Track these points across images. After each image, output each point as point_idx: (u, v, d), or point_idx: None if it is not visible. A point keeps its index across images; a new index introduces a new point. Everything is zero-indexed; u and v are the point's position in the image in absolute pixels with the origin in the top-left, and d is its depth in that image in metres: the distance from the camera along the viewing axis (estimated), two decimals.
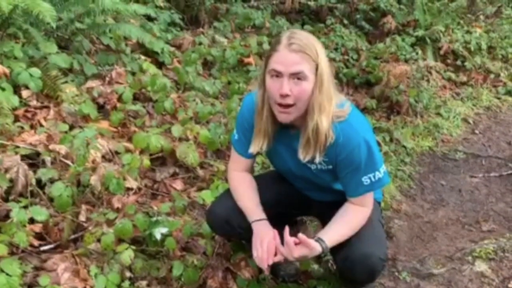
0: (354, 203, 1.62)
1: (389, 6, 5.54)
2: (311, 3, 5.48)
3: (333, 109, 1.51)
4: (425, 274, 2.21)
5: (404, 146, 3.61)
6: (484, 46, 5.56)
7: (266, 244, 1.55)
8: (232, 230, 1.74)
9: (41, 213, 1.61)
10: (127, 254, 1.60)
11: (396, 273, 2.20)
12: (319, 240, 1.53)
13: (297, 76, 1.44)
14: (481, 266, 2.29)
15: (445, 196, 3.10)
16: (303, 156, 1.56)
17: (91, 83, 2.77)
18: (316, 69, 1.46)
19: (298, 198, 1.86)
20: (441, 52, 5.21)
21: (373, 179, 1.56)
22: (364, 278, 1.66)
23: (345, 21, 5.34)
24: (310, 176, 1.69)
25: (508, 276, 2.23)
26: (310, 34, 1.52)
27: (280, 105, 1.47)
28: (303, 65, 1.44)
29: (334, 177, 1.65)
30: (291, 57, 1.43)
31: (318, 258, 2.08)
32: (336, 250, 1.59)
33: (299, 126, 1.57)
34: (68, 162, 2.04)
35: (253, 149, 1.63)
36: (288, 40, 1.44)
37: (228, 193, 1.77)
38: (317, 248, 1.50)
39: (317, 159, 1.55)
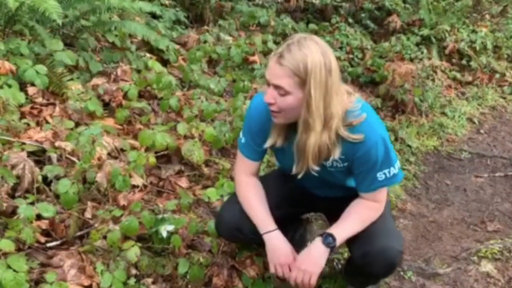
0: (367, 199, 1.62)
1: (394, 5, 5.53)
2: (316, 2, 5.47)
3: (338, 123, 1.46)
4: (431, 273, 2.21)
5: (409, 146, 3.61)
6: (489, 46, 5.54)
7: (287, 267, 1.58)
8: (244, 237, 1.73)
9: (48, 209, 1.61)
10: (133, 251, 1.61)
11: (402, 273, 2.19)
12: (326, 236, 1.55)
13: (279, 90, 1.42)
14: (486, 266, 2.28)
15: (450, 195, 3.10)
16: (313, 164, 1.55)
17: (96, 81, 2.77)
18: (304, 86, 1.39)
19: (303, 196, 1.86)
20: (447, 51, 5.19)
21: (388, 175, 1.56)
22: (383, 272, 1.67)
23: (350, 20, 5.33)
24: (321, 172, 1.66)
25: None
26: (312, 46, 1.40)
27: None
28: (285, 81, 1.39)
29: (347, 174, 1.65)
30: (276, 69, 1.41)
31: None
32: (354, 246, 1.61)
33: None
34: (74, 159, 2.04)
35: (268, 142, 1.60)
36: (282, 49, 1.40)
37: (235, 199, 1.73)
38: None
39: (336, 156, 1.53)
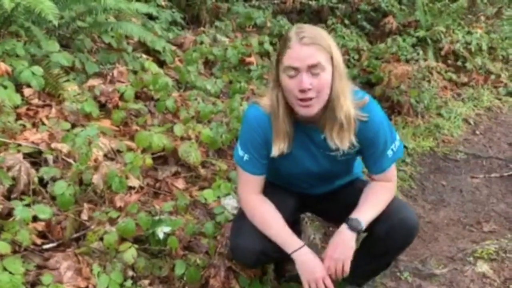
0: (381, 180, 1.67)
1: (390, 7, 5.56)
2: (312, 3, 5.48)
3: (351, 97, 1.53)
4: (427, 274, 2.21)
5: (405, 147, 3.61)
6: (484, 47, 5.57)
7: (321, 281, 1.57)
8: (270, 259, 1.71)
9: (44, 211, 1.60)
10: (130, 253, 1.60)
11: (398, 273, 2.20)
12: (351, 220, 1.58)
13: (315, 68, 1.43)
14: (482, 267, 2.29)
15: (446, 196, 3.11)
16: (340, 144, 1.55)
17: (92, 82, 2.76)
18: (332, 59, 1.46)
19: (298, 199, 1.86)
20: (442, 52, 5.21)
21: (394, 149, 1.64)
22: (405, 241, 1.70)
23: (346, 21, 5.35)
24: (331, 168, 1.69)
25: (510, 277, 2.23)
26: (317, 27, 1.51)
27: (301, 99, 1.45)
28: (319, 56, 1.42)
29: (354, 159, 1.72)
30: (305, 50, 1.41)
31: None
32: (376, 225, 1.63)
33: (317, 119, 1.55)
34: (70, 160, 2.04)
35: (274, 152, 1.58)
36: (297, 35, 1.43)
37: (247, 221, 1.65)
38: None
39: (352, 143, 1.57)
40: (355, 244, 1.58)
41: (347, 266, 1.57)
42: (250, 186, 1.66)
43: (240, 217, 1.70)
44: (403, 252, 1.86)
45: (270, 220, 1.62)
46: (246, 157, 1.63)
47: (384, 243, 1.68)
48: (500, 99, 5.02)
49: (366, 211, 1.61)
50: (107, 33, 3.22)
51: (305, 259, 1.58)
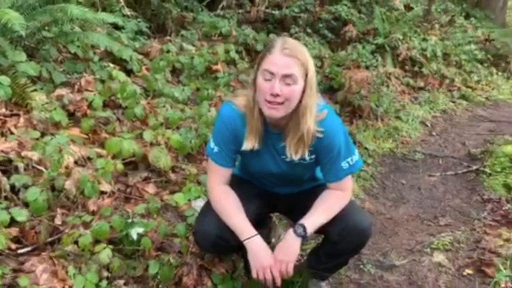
0: (335, 189, 1.77)
1: (350, 15, 5.76)
2: (276, 13, 5.62)
3: (315, 112, 1.65)
4: (388, 266, 2.36)
5: (366, 148, 3.80)
6: (439, 53, 5.89)
7: (269, 270, 1.67)
8: (227, 245, 1.76)
9: (21, 213, 1.63)
10: (105, 253, 1.65)
11: (361, 266, 2.33)
12: (297, 227, 1.68)
13: (288, 79, 1.55)
14: (438, 257, 2.46)
15: (406, 194, 3.29)
16: (294, 154, 1.68)
17: (60, 91, 2.78)
18: (306, 75, 1.58)
19: (265, 197, 1.96)
20: (400, 58, 5.47)
21: (351, 163, 1.74)
22: (358, 243, 1.80)
23: (309, 30, 5.51)
24: (291, 172, 1.79)
25: (463, 265, 2.41)
26: (300, 44, 1.65)
27: (269, 102, 1.57)
28: (294, 69, 1.55)
29: (314, 167, 1.81)
30: (284, 60, 1.54)
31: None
32: (330, 227, 1.73)
33: (283, 126, 1.67)
34: (41, 168, 2.06)
35: (246, 146, 1.69)
36: (281, 45, 1.56)
37: (210, 210, 1.76)
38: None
39: (303, 156, 1.68)
40: (298, 249, 1.69)
41: (290, 268, 1.69)
42: (218, 176, 1.78)
43: (206, 206, 1.82)
44: (358, 252, 1.98)
45: (230, 209, 1.73)
46: (216, 149, 1.75)
47: (338, 245, 1.80)
48: (454, 102, 5.32)
49: (315, 217, 1.72)
50: (73, 43, 3.24)
51: (255, 248, 1.68)
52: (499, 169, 3.53)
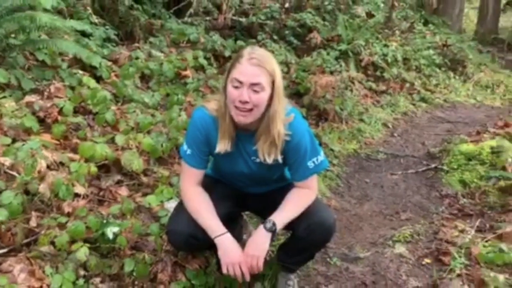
0: (301, 187, 1.88)
1: (314, 23, 5.96)
2: (243, 20, 5.76)
3: (283, 116, 1.76)
4: (353, 258, 2.49)
5: (332, 149, 3.96)
6: (400, 58, 6.16)
7: (238, 265, 1.74)
8: (199, 243, 1.84)
9: (1, 213, 1.66)
10: (82, 251, 1.70)
11: (328, 259, 2.46)
12: (267, 222, 1.78)
13: (256, 87, 1.66)
14: (400, 248, 2.61)
15: (369, 192, 3.45)
16: (267, 157, 1.79)
17: (30, 98, 2.79)
18: (273, 82, 1.69)
19: (236, 196, 2.06)
20: (362, 64, 5.70)
21: (316, 162, 1.85)
22: (324, 237, 1.91)
23: (275, 37, 5.66)
24: (261, 172, 1.89)
25: (423, 255, 2.57)
26: (268, 53, 1.75)
27: (238, 109, 1.68)
28: (262, 78, 1.66)
29: (282, 167, 1.91)
30: (251, 69, 1.65)
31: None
32: (297, 224, 1.83)
33: (253, 130, 1.78)
34: (14, 173, 2.09)
35: (219, 148, 1.79)
36: (249, 55, 1.67)
37: (183, 209, 1.83)
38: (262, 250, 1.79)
39: (276, 158, 1.79)
40: (268, 244, 1.79)
41: (260, 262, 1.78)
42: (190, 177, 1.87)
43: (178, 206, 1.91)
44: (324, 247, 2.12)
45: (201, 208, 1.81)
46: (189, 151, 1.84)
47: (305, 240, 1.91)
48: (414, 105, 5.57)
49: (284, 214, 1.83)
50: (40, 50, 3.25)
51: (225, 245, 1.77)
52: (455, 167, 3.74)
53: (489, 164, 3.63)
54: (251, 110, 1.68)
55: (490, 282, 2.22)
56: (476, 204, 3.21)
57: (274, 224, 1.79)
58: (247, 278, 1.78)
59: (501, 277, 2.25)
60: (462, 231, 2.78)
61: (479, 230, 2.79)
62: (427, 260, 2.51)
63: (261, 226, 1.81)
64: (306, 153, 1.83)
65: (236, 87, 1.67)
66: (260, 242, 1.79)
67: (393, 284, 2.31)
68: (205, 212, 1.81)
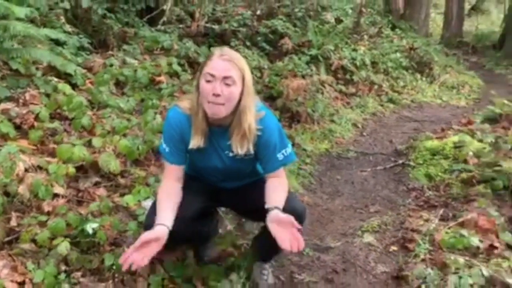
0: (274, 177, 1.99)
1: (285, 29, 6.14)
2: (216, 27, 5.88)
3: (254, 111, 1.88)
4: (324, 248, 2.62)
5: (304, 149, 4.10)
6: (368, 62, 6.38)
7: (141, 240, 1.70)
8: (173, 236, 1.84)
9: None
10: (63, 246, 1.78)
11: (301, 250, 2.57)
12: (275, 208, 1.84)
13: (227, 80, 1.77)
14: (368, 238, 2.76)
15: (341, 188, 3.60)
16: (240, 150, 1.89)
17: (5, 105, 2.84)
18: (243, 78, 1.82)
19: (212, 192, 2.17)
20: (332, 68, 5.90)
21: (285, 154, 1.98)
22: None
23: (248, 43, 5.80)
24: (234, 166, 1.99)
25: (390, 243, 2.72)
26: (236, 52, 1.89)
27: (211, 103, 1.78)
28: (232, 72, 1.78)
29: (255, 161, 2.03)
30: (223, 64, 1.77)
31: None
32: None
33: (226, 125, 1.89)
34: None
35: (192, 144, 1.89)
36: (220, 52, 1.80)
37: (154, 206, 1.93)
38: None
39: (249, 151, 1.90)
40: None
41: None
42: (170, 173, 1.98)
43: (154, 203, 1.97)
44: None
45: (161, 198, 1.90)
46: (167, 149, 1.95)
47: None
48: (382, 105, 5.79)
49: (278, 199, 1.92)
50: (14, 59, 3.28)
51: (156, 229, 1.79)
52: (421, 162, 3.94)
53: (452, 158, 3.84)
54: (223, 104, 1.79)
55: (451, 264, 2.38)
56: (440, 196, 3.39)
57: (277, 207, 1.85)
58: (133, 268, 1.71)
59: (461, 260, 2.41)
60: (426, 220, 2.94)
61: (442, 219, 2.95)
62: (393, 248, 2.66)
63: (274, 211, 1.82)
64: (276, 147, 1.96)
65: (208, 81, 1.78)
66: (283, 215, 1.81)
67: (362, 270, 2.45)
68: (161, 205, 1.88)
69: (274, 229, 1.78)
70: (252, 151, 1.93)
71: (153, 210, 1.92)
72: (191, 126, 1.91)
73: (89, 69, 3.99)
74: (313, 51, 5.87)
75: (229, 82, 1.78)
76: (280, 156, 1.98)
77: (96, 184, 2.58)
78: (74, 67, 3.56)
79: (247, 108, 1.85)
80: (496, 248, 2.55)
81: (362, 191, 3.56)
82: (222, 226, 2.43)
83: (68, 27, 4.29)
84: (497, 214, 2.87)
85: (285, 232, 1.76)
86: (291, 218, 1.77)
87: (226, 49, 1.85)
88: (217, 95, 1.77)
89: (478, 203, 3.04)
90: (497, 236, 2.66)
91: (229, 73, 1.78)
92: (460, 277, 2.25)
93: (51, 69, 3.56)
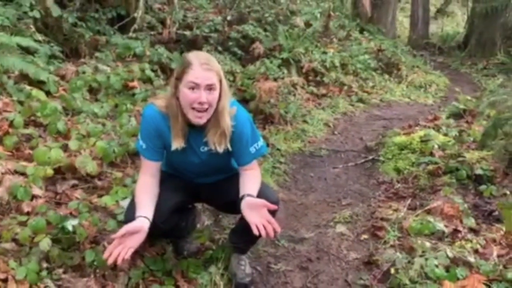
0: (247, 169, 2.10)
1: (256, 34, 6.24)
2: (187, 33, 5.94)
3: (228, 109, 1.99)
4: (299, 239, 2.73)
5: (278, 149, 4.21)
6: (338, 64, 6.56)
7: (125, 229, 1.80)
8: (152, 231, 1.93)
9: None
10: (45, 242, 1.82)
11: (276, 242, 2.68)
12: (249, 195, 1.95)
13: (210, 87, 1.88)
14: (341, 228, 2.88)
15: (314, 184, 3.72)
16: (219, 148, 1.99)
17: None
18: (220, 81, 1.93)
19: (189, 187, 2.25)
20: (303, 70, 6.05)
21: (257, 147, 2.10)
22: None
23: (220, 48, 5.87)
24: (209, 161, 2.08)
25: (361, 232, 2.85)
26: (209, 55, 2.00)
27: (196, 110, 1.89)
28: (214, 79, 1.89)
29: (228, 155, 2.12)
30: (205, 73, 1.88)
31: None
32: None
33: (204, 125, 1.97)
34: None
35: (174, 146, 1.98)
36: (198, 60, 1.89)
37: (133, 202, 2.00)
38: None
39: (227, 147, 2.00)
40: None
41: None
42: (146, 169, 2.06)
43: (132, 200, 2.06)
44: None
45: (139, 194, 1.98)
46: (144, 146, 2.04)
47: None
48: (353, 105, 5.97)
49: (252, 187, 2.03)
50: None
51: (138, 220, 1.89)
52: (390, 157, 4.10)
53: (419, 152, 4.01)
54: (206, 110, 1.90)
55: (418, 248, 2.52)
56: (409, 188, 3.55)
57: (250, 194, 1.95)
58: (118, 261, 1.80)
59: (428, 243, 2.55)
60: (396, 210, 3.09)
61: (410, 208, 3.10)
62: (364, 236, 2.78)
63: (248, 198, 1.93)
64: (248, 140, 2.07)
65: (192, 89, 1.88)
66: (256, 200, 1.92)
67: (335, 258, 2.56)
68: (141, 196, 1.97)
69: (248, 214, 1.88)
70: (229, 147, 2.03)
71: (132, 206, 1.99)
72: (168, 124, 1.99)
73: (62, 77, 4.00)
74: (284, 55, 6.01)
75: (212, 88, 1.90)
76: (252, 149, 2.09)
77: (74, 186, 2.61)
78: (47, 74, 3.58)
79: (225, 109, 1.96)
80: (460, 232, 2.71)
81: (334, 187, 3.69)
82: (200, 222, 2.51)
83: (38, 36, 4.29)
84: (461, 201, 3.03)
85: (258, 217, 1.85)
86: (263, 200, 1.87)
87: (202, 55, 1.96)
88: (203, 103, 1.88)
89: (443, 192, 3.21)
90: (461, 221, 2.82)
91: (211, 81, 1.89)
92: (426, 259, 2.38)
93: (23, 78, 3.56)
